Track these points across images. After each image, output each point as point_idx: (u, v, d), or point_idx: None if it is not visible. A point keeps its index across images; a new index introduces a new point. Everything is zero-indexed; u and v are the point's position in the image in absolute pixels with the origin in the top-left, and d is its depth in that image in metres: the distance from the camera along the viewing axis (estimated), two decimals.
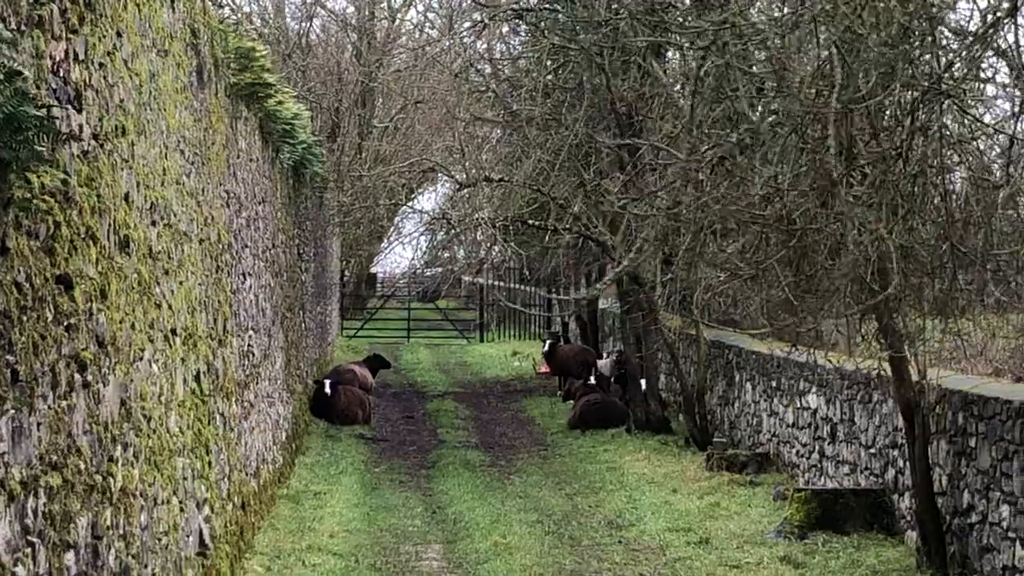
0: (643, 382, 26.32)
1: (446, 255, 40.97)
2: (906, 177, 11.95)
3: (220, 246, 14.54)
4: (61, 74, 7.62)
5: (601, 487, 20.85)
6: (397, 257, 62.32)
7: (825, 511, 16.81)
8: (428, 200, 50.93)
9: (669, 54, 22.72)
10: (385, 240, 59.13)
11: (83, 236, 8.00)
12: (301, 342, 25.90)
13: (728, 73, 12.81)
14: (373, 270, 65.80)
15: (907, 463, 15.89)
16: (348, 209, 32.59)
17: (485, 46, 27.18)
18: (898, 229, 12.33)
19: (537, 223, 25.90)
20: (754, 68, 13.17)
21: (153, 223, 10.52)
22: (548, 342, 33.43)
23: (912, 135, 11.57)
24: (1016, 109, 11.57)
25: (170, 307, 11.19)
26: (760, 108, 13.25)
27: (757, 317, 16.60)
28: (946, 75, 11.46)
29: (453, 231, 30.25)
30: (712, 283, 16.89)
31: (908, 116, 11.49)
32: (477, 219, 25.97)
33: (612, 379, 29.25)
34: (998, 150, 13.43)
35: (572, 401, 28.87)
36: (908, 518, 16.18)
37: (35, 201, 6.97)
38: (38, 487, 6.95)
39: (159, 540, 10.22)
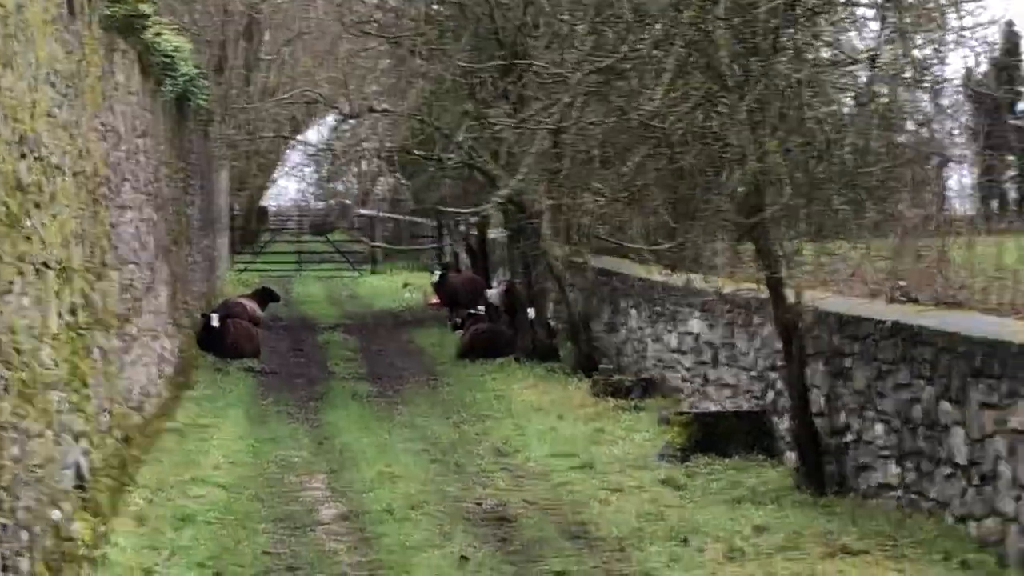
0: (531, 310, 26.40)
1: (335, 186, 40.73)
2: (775, 96, 12.06)
3: (97, 179, 14.41)
4: None
5: (488, 415, 20.94)
6: (286, 190, 61.90)
7: (706, 434, 16.97)
8: (317, 133, 50.69)
9: None
10: (275, 173, 58.79)
11: None
12: (187, 276, 25.73)
13: None
14: (264, 204, 65.38)
15: (786, 385, 16.09)
16: (233, 142, 32.28)
17: None
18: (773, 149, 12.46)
19: (423, 153, 25.82)
20: None
21: (22, 156, 10.42)
22: (439, 272, 33.41)
23: (775, 52, 11.68)
24: (882, 32, 11.71)
25: (42, 240, 11.09)
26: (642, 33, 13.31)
27: (638, 242, 16.64)
28: None
29: (338, 162, 30.14)
30: (594, 209, 16.97)
31: (770, 35, 11.60)
32: (362, 150, 25.89)
33: (501, 308, 29.30)
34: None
35: (461, 331, 28.89)
36: (787, 439, 16.39)
37: None
38: None
39: (33, 473, 10.18)
